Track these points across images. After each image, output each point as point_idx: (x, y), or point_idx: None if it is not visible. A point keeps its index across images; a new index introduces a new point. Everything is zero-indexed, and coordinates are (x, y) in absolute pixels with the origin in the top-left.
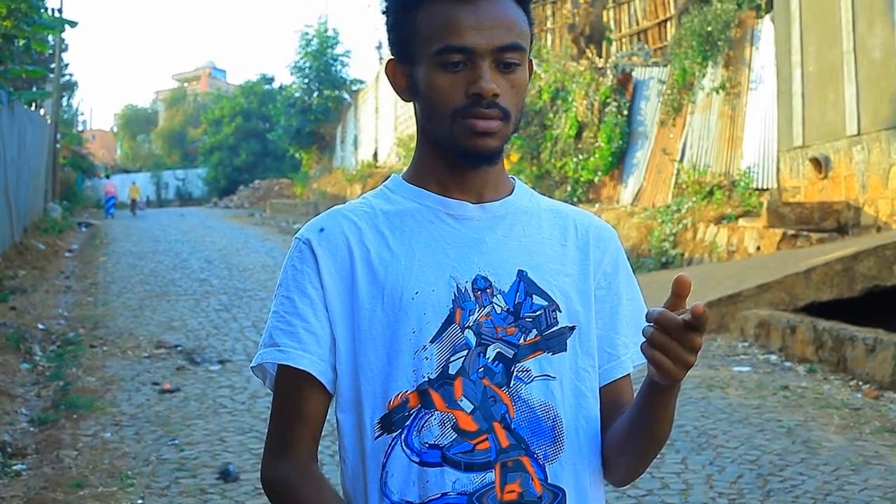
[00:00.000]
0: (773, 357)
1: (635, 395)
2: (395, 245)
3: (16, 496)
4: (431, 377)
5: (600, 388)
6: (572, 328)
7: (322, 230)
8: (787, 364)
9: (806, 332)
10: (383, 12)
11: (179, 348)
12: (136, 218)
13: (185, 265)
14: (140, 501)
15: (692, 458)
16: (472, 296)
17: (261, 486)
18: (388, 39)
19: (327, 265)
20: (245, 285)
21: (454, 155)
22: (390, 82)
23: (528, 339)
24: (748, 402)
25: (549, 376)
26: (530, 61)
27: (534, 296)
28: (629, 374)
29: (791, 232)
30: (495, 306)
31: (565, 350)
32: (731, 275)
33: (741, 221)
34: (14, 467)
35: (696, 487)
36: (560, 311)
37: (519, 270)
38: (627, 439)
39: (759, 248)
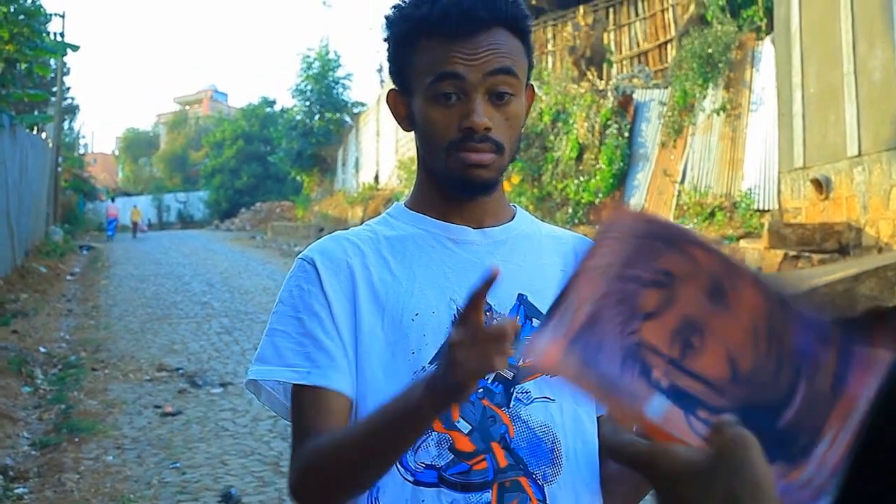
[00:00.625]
0: None
1: None
2: (396, 268)
3: None
4: None
5: (598, 417)
6: None
7: (325, 251)
8: None
9: None
10: (385, 40)
11: (181, 371)
12: (138, 240)
13: (186, 288)
14: None
15: None
16: None
17: None
18: (389, 69)
19: (331, 284)
20: (246, 308)
21: (449, 187)
22: (391, 111)
23: (527, 361)
24: None
25: (549, 399)
26: (532, 88)
27: (533, 319)
28: None
29: (792, 253)
30: None
31: None
32: None
33: (742, 243)
34: (16, 491)
35: None
36: None
37: (519, 294)
38: (620, 478)
39: (760, 269)
